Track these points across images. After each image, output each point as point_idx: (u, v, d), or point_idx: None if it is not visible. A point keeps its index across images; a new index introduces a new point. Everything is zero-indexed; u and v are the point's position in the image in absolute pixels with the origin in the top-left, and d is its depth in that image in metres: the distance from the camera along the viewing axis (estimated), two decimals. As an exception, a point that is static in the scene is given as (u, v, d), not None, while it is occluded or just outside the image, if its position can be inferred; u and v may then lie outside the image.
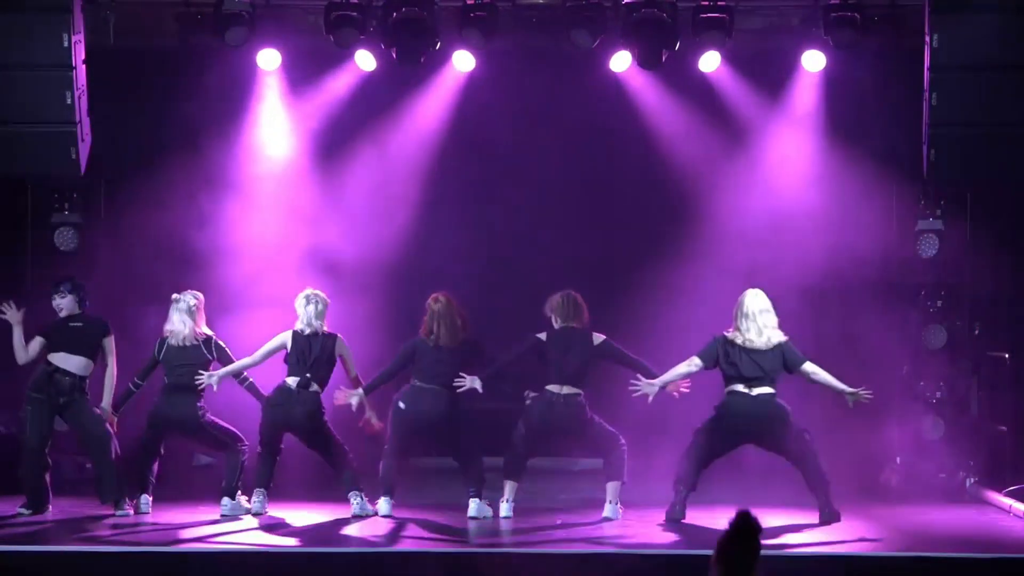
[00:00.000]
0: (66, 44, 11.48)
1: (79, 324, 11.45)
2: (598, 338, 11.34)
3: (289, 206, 13.59)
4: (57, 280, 11.68)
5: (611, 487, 11.32)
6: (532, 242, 13.58)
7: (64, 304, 11.48)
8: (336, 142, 13.67)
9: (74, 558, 9.67)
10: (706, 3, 12.40)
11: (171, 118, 13.40)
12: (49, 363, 11.34)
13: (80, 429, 11.45)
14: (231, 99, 13.45)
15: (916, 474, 13.03)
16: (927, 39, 11.54)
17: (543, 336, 11.34)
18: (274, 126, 13.62)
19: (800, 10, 12.94)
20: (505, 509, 11.30)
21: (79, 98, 11.60)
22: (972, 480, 12.96)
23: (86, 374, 11.39)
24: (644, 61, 12.48)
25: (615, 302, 13.04)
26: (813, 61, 13.02)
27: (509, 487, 11.36)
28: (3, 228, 13.35)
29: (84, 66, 11.75)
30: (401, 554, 9.91)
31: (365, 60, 13.05)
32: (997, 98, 11.54)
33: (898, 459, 13.13)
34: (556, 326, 11.38)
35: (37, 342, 11.41)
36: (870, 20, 12.48)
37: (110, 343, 11.48)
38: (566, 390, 11.24)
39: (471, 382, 11.21)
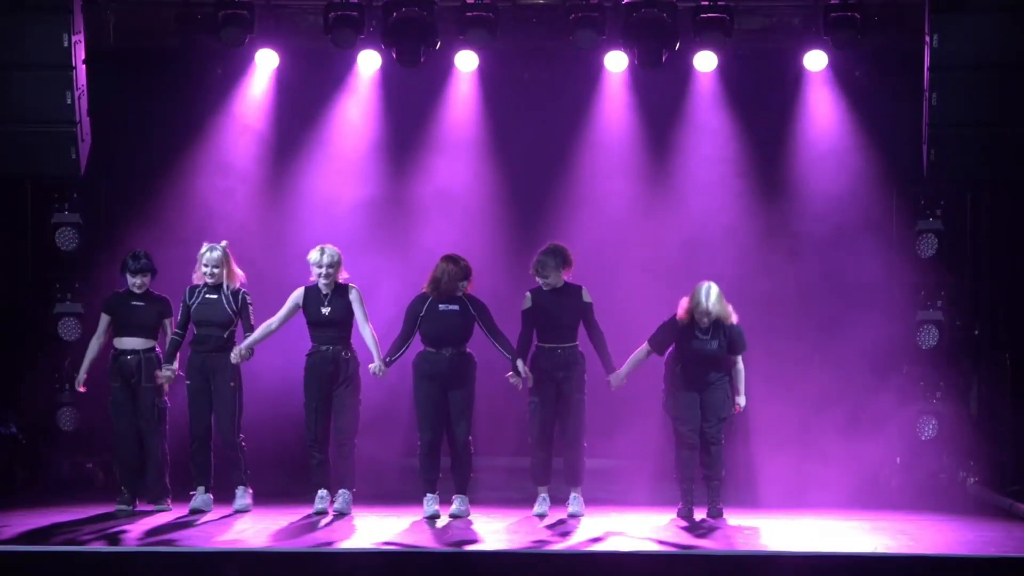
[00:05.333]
0: (66, 44, 11.50)
1: (141, 304, 11.42)
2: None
3: (288, 204, 13.60)
4: (136, 254, 11.49)
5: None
6: (531, 239, 13.57)
7: (145, 283, 11.42)
8: (335, 141, 13.67)
9: (75, 558, 9.68)
10: (706, 3, 12.41)
11: (171, 118, 13.41)
12: (114, 347, 11.40)
13: (139, 417, 11.43)
14: (231, 99, 13.47)
15: (916, 474, 13.03)
16: (927, 39, 11.55)
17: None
18: (273, 125, 13.63)
19: (800, 10, 12.95)
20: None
21: (79, 98, 11.61)
22: (972, 480, 12.96)
23: (148, 346, 11.41)
24: (644, 61, 12.49)
25: (614, 297, 13.05)
26: (813, 61, 13.03)
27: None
28: (3, 228, 13.35)
29: (84, 66, 11.76)
30: (399, 553, 9.92)
31: (366, 60, 13.08)
32: (996, 98, 11.55)
33: (898, 459, 13.13)
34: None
35: (104, 321, 11.46)
36: (870, 20, 12.50)
37: (168, 324, 11.48)
38: None
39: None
